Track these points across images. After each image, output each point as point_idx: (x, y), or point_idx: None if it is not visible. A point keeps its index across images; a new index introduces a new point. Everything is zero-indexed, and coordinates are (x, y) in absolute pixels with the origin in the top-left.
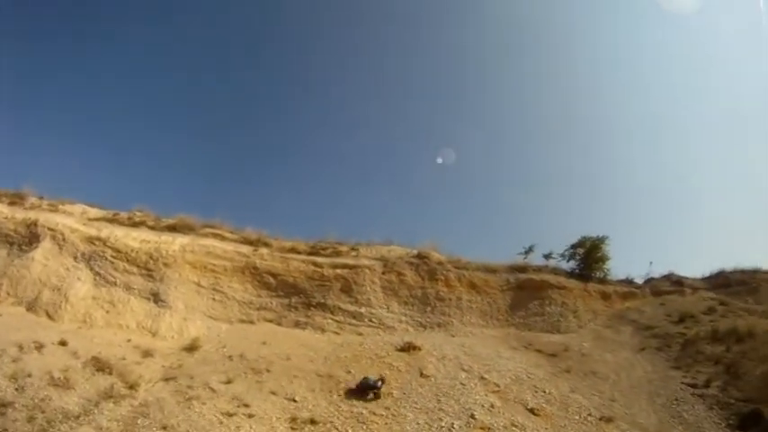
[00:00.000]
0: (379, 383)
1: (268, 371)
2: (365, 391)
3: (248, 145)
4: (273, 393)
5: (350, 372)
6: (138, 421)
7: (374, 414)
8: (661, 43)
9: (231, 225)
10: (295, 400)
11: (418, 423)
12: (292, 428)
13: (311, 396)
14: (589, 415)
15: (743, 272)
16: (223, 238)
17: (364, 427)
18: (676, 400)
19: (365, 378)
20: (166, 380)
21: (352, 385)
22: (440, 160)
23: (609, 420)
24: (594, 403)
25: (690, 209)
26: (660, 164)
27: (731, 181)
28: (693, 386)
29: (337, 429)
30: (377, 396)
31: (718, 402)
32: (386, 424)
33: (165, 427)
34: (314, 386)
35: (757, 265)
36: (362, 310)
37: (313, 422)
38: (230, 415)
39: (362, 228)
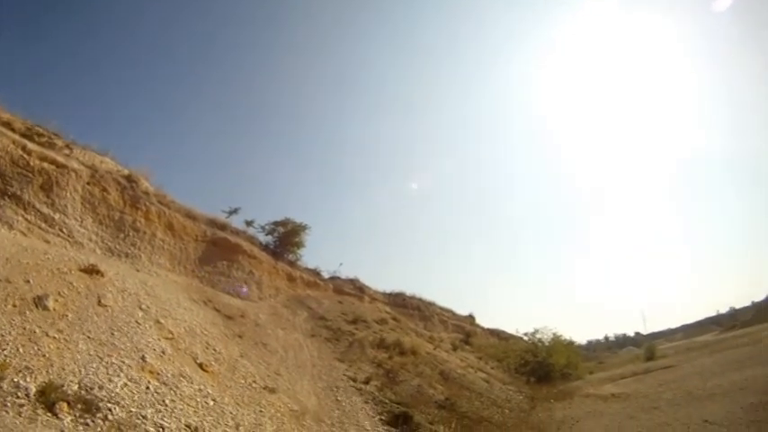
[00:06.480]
0: None
1: None
2: None
3: None
4: None
5: (29, 281)
6: None
7: (47, 335)
8: None
9: None
10: None
11: (90, 354)
12: None
13: None
14: (254, 382)
15: (421, 300)
16: None
17: (35, 347)
18: (336, 387)
19: None
20: None
21: None
22: None
23: (272, 391)
24: (261, 372)
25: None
26: None
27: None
28: (354, 380)
29: (8, 344)
30: None
31: (374, 399)
32: (57, 348)
33: None
34: None
35: (434, 300)
36: (56, 216)
37: None
38: None
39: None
